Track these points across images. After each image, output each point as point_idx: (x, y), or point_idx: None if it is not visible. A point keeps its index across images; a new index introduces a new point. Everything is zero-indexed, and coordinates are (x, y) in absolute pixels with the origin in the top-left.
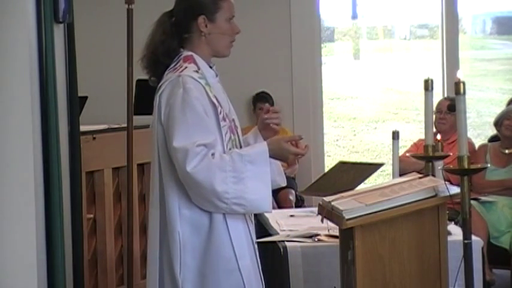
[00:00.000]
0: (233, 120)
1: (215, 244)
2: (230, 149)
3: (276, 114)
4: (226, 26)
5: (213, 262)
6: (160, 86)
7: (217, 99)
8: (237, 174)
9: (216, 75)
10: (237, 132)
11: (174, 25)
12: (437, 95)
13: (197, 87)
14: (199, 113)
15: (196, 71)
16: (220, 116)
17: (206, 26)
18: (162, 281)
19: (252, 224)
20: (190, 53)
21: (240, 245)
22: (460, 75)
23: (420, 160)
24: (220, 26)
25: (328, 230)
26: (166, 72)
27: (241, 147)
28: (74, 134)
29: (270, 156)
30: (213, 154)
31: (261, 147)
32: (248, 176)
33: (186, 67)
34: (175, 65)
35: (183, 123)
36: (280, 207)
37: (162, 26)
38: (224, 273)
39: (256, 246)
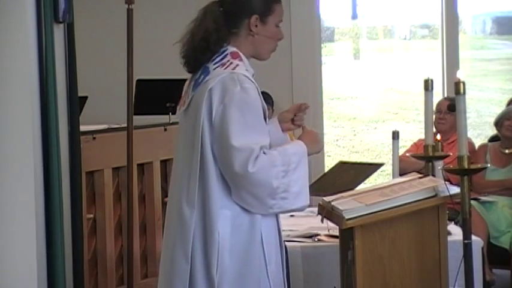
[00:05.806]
0: None
1: (253, 244)
2: None
3: (303, 116)
4: (275, 30)
5: (251, 263)
6: (206, 81)
7: None
8: (285, 167)
9: (253, 75)
10: None
11: (224, 16)
12: (437, 95)
13: (253, 88)
14: (258, 113)
15: (247, 70)
16: (267, 119)
17: (256, 26)
18: (193, 282)
19: (280, 226)
20: (235, 49)
21: (269, 249)
22: (460, 75)
23: (420, 160)
24: (269, 29)
25: (328, 230)
26: (211, 66)
27: None
28: (74, 134)
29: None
30: (264, 152)
31: (297, 142)
32: (292, 168)
33: (237, 64)
34: (221, 59)
35: (243, 123)
36: None
37: (212, 14)
38: (260, 275)
39: (284, 249)
